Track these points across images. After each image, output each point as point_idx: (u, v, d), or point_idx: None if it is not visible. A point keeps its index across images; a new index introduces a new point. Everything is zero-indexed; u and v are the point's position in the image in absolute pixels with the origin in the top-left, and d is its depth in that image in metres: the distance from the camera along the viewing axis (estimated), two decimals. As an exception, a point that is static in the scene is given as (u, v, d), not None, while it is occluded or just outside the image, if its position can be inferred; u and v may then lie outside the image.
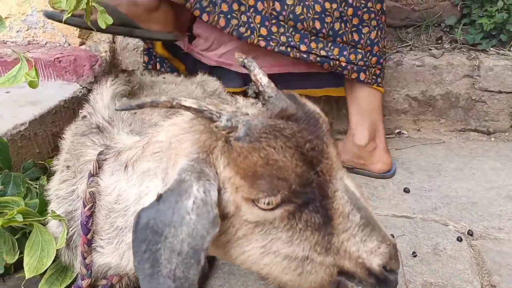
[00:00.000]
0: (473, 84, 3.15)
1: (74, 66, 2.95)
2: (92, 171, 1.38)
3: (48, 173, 2.14)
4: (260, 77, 1.05)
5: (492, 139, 3.25)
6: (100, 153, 1.38)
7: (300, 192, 0.97)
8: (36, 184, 1.89)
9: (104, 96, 1.68)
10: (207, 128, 1.01)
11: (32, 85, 1.62)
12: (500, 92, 3.13)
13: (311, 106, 1.06)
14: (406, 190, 2.56)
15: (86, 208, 1.39)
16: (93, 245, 1.44)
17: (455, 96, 3.20)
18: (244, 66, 1.10)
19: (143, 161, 1.20)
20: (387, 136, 3.30)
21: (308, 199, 0.98)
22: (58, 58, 2.93)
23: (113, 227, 1.33)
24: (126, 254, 1.33)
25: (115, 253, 1.36)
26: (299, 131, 0.96)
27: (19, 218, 1.48)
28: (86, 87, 2.93)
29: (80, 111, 1.80)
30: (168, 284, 0.89)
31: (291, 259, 1.03)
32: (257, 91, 1.07)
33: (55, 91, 2.78)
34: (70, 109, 2.69)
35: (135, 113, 1.70)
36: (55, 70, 2.95)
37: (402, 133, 3.36)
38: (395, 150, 3.10)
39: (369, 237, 1.00)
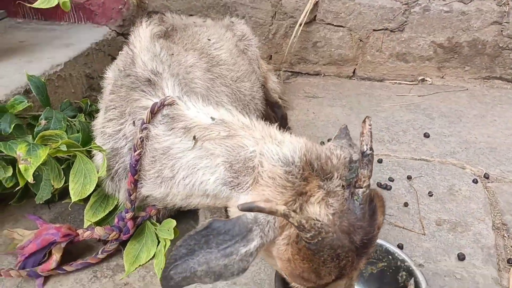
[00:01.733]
0: (501, 31, 3.11)
1: (103, 9, 3.02)
2: (145, 119, 1.51)
3: (84, 111, 2.27)
4: (365, 178, 1.15)
5: (517, 87, 3.24)
6: (153, 105, 1.50)
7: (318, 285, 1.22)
8: (75, 121, 2.01)
9: (142, 38, 1.76)
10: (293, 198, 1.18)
11: (65, 6, 1.71)
12: (528, 39, 3.09)
13: (378, 222, 1.20)
14: (426, 135, 2.62)
15: (136, 153, 1.53)
16: (139, 183, 1.59)
17: (482, 43, 3.17)
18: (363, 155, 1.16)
19: (215, 145, 1.36)
20: (410, 82, 3.34)
21: None
22: (88, 1, 2.99)
23: (159, 175, 1.50)
24: (170, 194, 1.50)
25: (161, 193, 1.53)
26: (351, 259, 1.14)
27: (63, 148, 1.62)
28: (115, 30, 3.01)
29: (120, 52, 1.89)
30: (195, 268, 1.12)
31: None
32: (351, 181, 1.20)
33: (87, 34, 2.87)
34: (101, 51, 2.78)
35: (172, 54, 1.79)
36: (85, 13, 3.03)
37: (426, 80, 3.37)
38: (418, 97, 3.13)
39: None
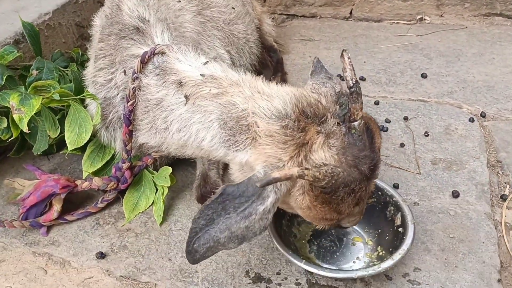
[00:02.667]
0: (503, -36, 2.99)
1: (89, -47, 2.89)
2: (136, 69, 1.49)
3: (76, 61, 2.23)
4: (357, 110, 1.19)
5: (517, 23, 3.17)
6: (144, 54, 1.48)
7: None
8: (67, 71, 1.99)
9: None
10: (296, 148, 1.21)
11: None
12: (531, -28, 2.98)
13: (377, 144, 1.27)
14: (424, 76, 2.59)
15: (129, 103, 1.52)
16: (134, 133, 1.60)
17: (482, -22, 3.07)
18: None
19: (207, 101, 1.35)
20: (408, 22, 3.26)
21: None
22: None
23: (152, 125, 1.51)
24: (165, 144, 1.51)
25: (156, 142, 1.54)
26: (365, 187, 1.23)
27: (56, 97, 1.61)
28: (103, -24, 2.90)
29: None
30: (218, 235, 1.17)
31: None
32: (344, 116, 1.23)
33: (74, -20, 2.76)
34: (90, -1, 2.70)
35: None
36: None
37: (424, 19, 3.29)
38: (416, 37, 3.07)
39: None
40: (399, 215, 1.55)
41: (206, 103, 1.35)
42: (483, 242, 1.58)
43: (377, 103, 2.36)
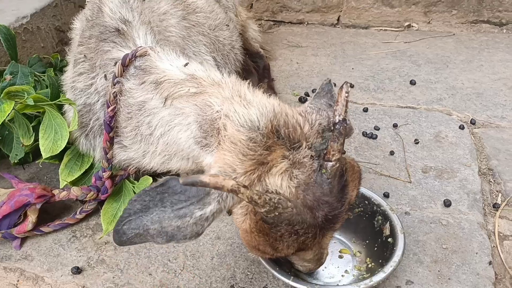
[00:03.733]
0: (490, -29, 2.99)
1: (71, -43, 2.82)
2: (116, 73, 1.41)
3: (54, 67, 2.15)
4: (335, 151, 1.06)
5: (504, 30, 3.17)
6: (125, 57, 1.40)
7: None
8: (44, 77, 1.90)
9: None
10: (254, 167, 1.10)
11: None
12: (517, -21, 2.98)
13: (348, 197, 1.13)
14: (412, 82, 2.56)
15: (110, 109, 1.44)
16: (115, 141, 1.51)
17: (469, -15, 3.06)
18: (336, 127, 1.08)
19: (184, 103, 1.27)
20: (396, 29, 3.24)
21: None
22: None
23: (137, 132, 1.42)
24: (148, 154, 1.43)
25: (138, 151, 1.46)
26: (313, 235, 1.10)
27: (30, 102, 1.53)
28: (85, -20, 2.83)
29: (87, 0, 1.77)
30: (148, 225, 1.05)
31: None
32: (321, 152, 1.12)
33: (54, -16, 2.68)
34: (71, 2, 2.62)
35: (143, 0, 1.66)
36: (52, -39, 2.83)
37: (412, 26, 3.27)
38: (404, 43, 3.04)
39: (307, 263, 1.31)
40: (387, 225, 1.48)
41: (184, 104, 1.27)
42: (476, 253, 1.53)
43: (365, 110, 2.31)
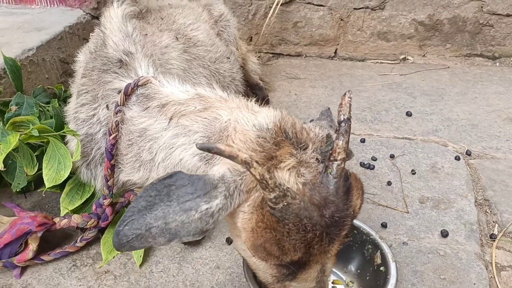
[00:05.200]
0: (481, 7, 3.10)
1: (76, -9, 2.92)
2: (119, 102, 1.44)
3: (58, 97, 2.20)
4: (340, 149, 1.06)
5: (497, 64, 3.25)
6: (127, 86, 1.44)
7: (283, 264, 1.13)
8: (48, 107, 1.95)
9: (113, 19, 1.69)
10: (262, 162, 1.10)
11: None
12: (508, 15, 3.09)
13: (353, 203, 1.12)
14: (409, 114, 2.61)
15: (111, 137, 1.46)
16: (116, 168, 1.54)
17: (462, 20, 3.16)
18: (339, 123, 1.08)
19: (191, 120, 1.28)
20: (391, 61, 3.32)
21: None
22: (60, -17, 2.89)
23: (137, 159, 1.43)
24: (150, 178, 1.43)
25: (140, 177, 1.47)
26: (320, 234, 1.06)
27: (35, 133, 1.56)
28: (89, 13, 2.91)
29: (91, 34, 1.82)
30: (151, 223, 1.03)
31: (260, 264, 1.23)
32: (326, 153, 1.12)
33: (59, 17, 2.77)
34: (75, 35, 2.69)
35: (146, 35, 1.72)
36: (58, -4, 2.93)
37: (407, 59, 3.36)
38: (400, 76, 3.12)
39: None
40: (378, 254, 1.50)
41: (190, 122, 1.28)
42: (474, 284, 1.54)
43: (363, 140, 2.35)
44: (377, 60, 3.39)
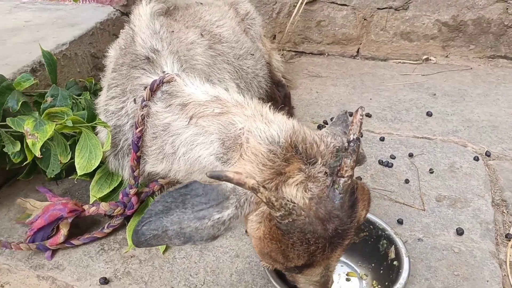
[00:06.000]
0: (507, 8, 3.08)
1: (107, -12, 3.03)
2: (145, 97, 1.53)
3: (89, 90, 2.30)
4: (347, 168, 1.11)
5: (522, 66, 3.23)
6: (153, 83, 1.52)
7: (287, 268, 1.23)
8: (80, 99, 2.05)
9: (142, 16, 1.77)
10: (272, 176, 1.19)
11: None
12: (534, 17, 3.06)
13: (357, 215, 1.17)
14: (429, 114, 2.63)
15: (138, 130, 1.56)
16: (142, 160, 1.63)
17: (487, 22, 3.15)
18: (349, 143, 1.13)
19: (209, 122, 1.37)
20: (414, 62, 3.33)
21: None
22: (92, -20, 3.00)
23: (161, 151, 1.53)
24: (172, 170, 1.53)
25: (163, 169, 1.56)
26: (322, 246, 1.13)
27: (69, 123, 1.66)
28: (119, 10, 3.02)
29: (121, 30, 1.91)
30: (167, 226, 1.13)
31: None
32: (335, 169, 1.18)
33: (91, 14, 2.88)
34: (106, 31, 2.80)
35: (172, 31, 1.80)
36: (90, -7, 3.04)
37: (430, 59, 3.36)
38: (422, 76, 3.13)
39: (313, 286, 1.32)
40: (392, 248, 1.55)
41: (208, 123, 1.36)
42: (487, 281, 1.57)
43: (382, 139, 2.39)
44: (399, 60, 3.41)
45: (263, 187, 1.02)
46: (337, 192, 1.12)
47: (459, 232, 1.77)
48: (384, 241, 1.59)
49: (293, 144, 1.21)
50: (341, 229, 1.13)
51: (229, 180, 1.00)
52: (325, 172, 1.18)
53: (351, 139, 1.13)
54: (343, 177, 1.11)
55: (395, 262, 1.51)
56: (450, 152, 2.28)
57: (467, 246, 1.72)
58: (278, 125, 1.26)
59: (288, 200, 1.06)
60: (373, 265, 1.60)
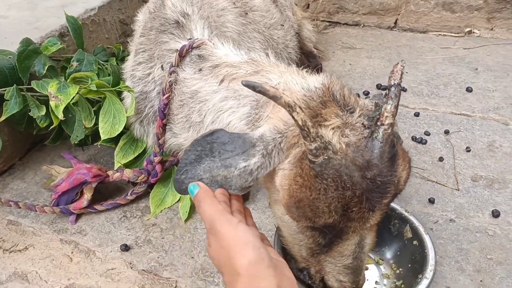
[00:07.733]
0: (562, -23, 2.85)
1: (138, -47, 2.96)
2: (173, 63, 1.48)
3: (116, 57, 2.28)
4: (388, 114, 1.01)
5: None
6: (182, 48, 1.47)
7: (319, 227, 1.10)
8: (107, 65, 2.02)
9: None
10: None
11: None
12: None
13: (398, 172, 1.06)
14: (469, 89, 2.49)
15: (165, 97, 1.52)
16: (167, 128, 1.60)
17: (538, -8, 2.92)
18: (387, 88, 1.04)
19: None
20: (455, 34, 3.15)
21: (324, 230, 1.11)
22: None
23: (188, 119, 1.49)
24: None
25: (188, 138, 1.52)
26: (359, 194, 1.01)
27: (93, 87, 1.64)
28: (149, -24, 2.95)
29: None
30: (201, 174, 1.10)
31: (295, 232, 1.20)
32: (374, 118, 1.08)
33: (121, -21, 2.83)
34: (135, -3, 2.75)
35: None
36: (120, -42, 2.98)
37: (473, 32, 3.16)
38: (463, 50, 2.96)
39: (343, 274, 1.18)
40: (407, 228, 1.46)
41: (241, 86, 1.24)
42: (523, 267, 1.48)
43: (417, 114, 2.28)
44: (439, 32, 3.22)
45: (300, 107, 0.94)
46: (377, 141, 1.01)
47: (495, 214, 1.67)
48: (396, 221, 1.50)
49: (330, 90, 1.13)
50: (380, 180, 1.01)
51: (264, 91, 0.93)
52: (363, 124, 1.08)
53: (392, 83, 1.02)
54: (383, 124, 1.00)
55: (414, 242, 1.43)
56: (490, 130, 2.15)
57: (503, 229, 1.62)
58: (314, 78, 1.20)
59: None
60: (386, 247, 1.51)
